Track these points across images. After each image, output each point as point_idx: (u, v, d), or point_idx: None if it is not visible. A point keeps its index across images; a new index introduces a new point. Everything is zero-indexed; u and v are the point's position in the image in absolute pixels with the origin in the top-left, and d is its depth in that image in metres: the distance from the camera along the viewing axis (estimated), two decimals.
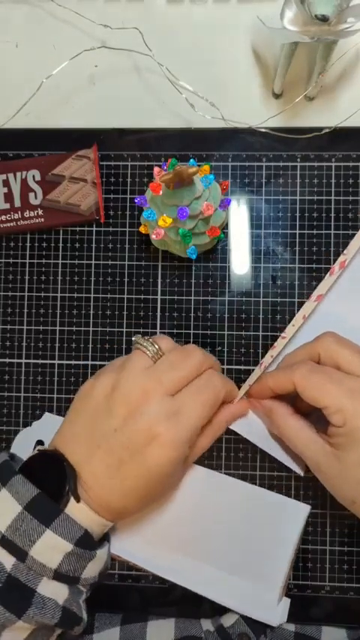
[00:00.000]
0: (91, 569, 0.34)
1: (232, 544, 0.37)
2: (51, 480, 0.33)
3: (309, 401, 0.34)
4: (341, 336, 0.36)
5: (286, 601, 0.37)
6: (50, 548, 0.32)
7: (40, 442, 0.42)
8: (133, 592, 0.40)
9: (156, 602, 0.40)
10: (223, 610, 0.37)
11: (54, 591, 0.32)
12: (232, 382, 0.38)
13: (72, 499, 0.33)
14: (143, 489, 0.34)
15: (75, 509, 0.33)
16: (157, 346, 0.35)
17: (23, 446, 0.42)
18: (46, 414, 0.42)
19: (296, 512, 0.37)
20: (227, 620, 0.37)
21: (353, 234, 0.41)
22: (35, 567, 0.32)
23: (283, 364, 0.38)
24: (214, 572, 0.37)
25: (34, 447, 0.41)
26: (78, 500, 0.33)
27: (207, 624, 0.38)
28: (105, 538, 0.36)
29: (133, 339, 0.37)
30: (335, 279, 0.38)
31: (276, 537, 0.37)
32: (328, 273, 0.39)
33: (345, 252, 0.38)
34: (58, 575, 0.32)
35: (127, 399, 0.34)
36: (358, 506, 0.33)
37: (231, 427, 0.39)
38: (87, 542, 0.33)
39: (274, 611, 0.37)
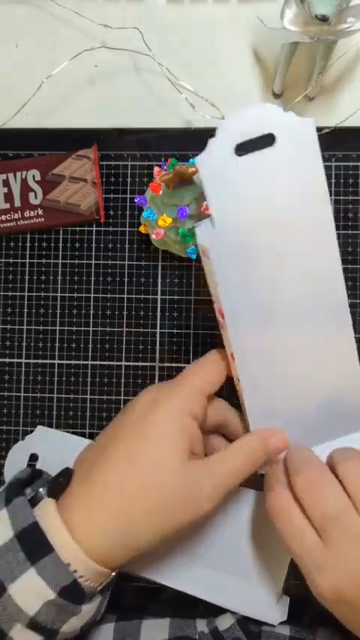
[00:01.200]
0: (73, 624, 0.29)
1: (231, 546, 0.37)
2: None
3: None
4: None
5: (285, 599, 0.37)
6: (30, 590, 0.28)
7: (33, 456, 0.42)
8: (129, 591, 0.40)
9: (152, 601, 0.40)
10: (218, 610, 0.37)
11: None
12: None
13: (69, 539, 0.29)
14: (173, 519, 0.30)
15: (69, 550, 0.29)
16: None
17: (16, 460, 0.42)
18: (39, 427, 0.42)
19: None
20: (222, 623, 0.36)
21: (354, 234, 0.41)
22: (10, 609, 0.28)
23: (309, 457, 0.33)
24: (213, 574, 0.37)
25: (28, 461, 0.41)
26: (57, 498, 0.30)
27: (202, 625, 0.37)
28: (100, 591, 0.32)
29: None
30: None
31: (275, 537, 0.37)
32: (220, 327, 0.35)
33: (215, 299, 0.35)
34: (34, 625, 0.28)
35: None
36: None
37: None
38: (73, 594, 0.29)
39: (274, 610, 0.37)
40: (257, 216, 0.31)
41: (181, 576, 0.37)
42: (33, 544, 0.28)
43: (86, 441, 0.42)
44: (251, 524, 0.38)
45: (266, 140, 0.30)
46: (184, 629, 0.36)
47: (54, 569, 0.28)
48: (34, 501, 0.31)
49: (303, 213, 0.31)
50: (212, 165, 0.30)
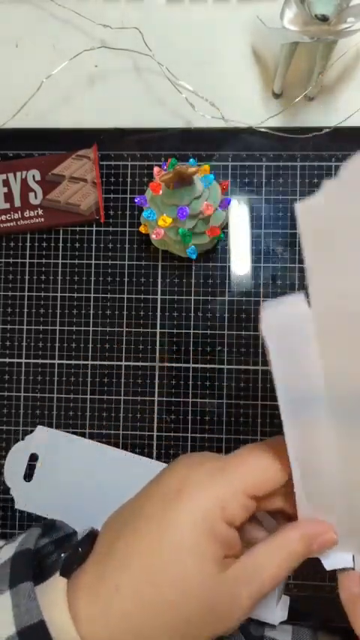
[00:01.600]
0: None
1: None
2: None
3: None
4: None
5: (286, 599, 0.37)
6: None
7: (33, 456, 0.42)
8: None
9: None
10: None
11: None
12: None
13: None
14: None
15: None
16: None
17: (16, 460, 0.42)
18: (39, 427, 0.42)
19: None
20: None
21: None
22: None
23: None
24: None
25: (28, 461, 0.42)
26: (68, 576, 0.26)
27: None
28: None
29: None
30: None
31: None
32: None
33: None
34: None
35: None
36: None
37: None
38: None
39: (274, 609, 0.37)
40: None
41: None
42: None
43: (86, 442, 0.42)
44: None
45: None
46: None
47: None
48: (47, 568, 0.28)
49: None
50: (326, 216, 0.21)
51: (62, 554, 0.28)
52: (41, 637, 0.25)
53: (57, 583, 0.26)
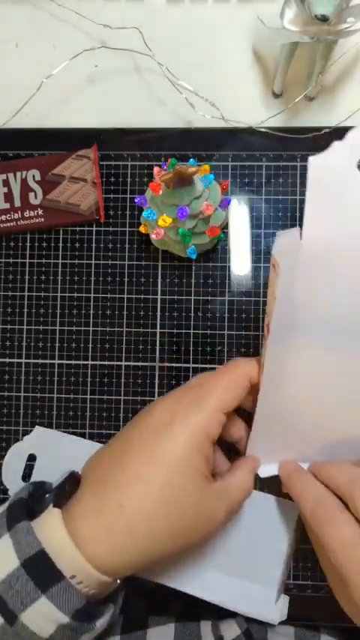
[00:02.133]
0: (87, 638, 0.30)
1: (227, 545, 0.38)
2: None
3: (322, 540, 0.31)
4: None
5: (285, 599, 0.37)
6: (43, 616, 0.28)
7: (32, 457, 0.42)
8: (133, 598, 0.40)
9: (155, 614, 0.40)
10: (224, 616, 0.38)
11: None
12: None
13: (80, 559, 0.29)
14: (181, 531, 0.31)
15: (77, 568, 0.29)
16: None
17: (14, 461, 0.42)
18: (37, 427, 0.42)
19: (288, 510, 0.38)
20: (228, 633, 0.36)
21: None
22: (24, 634, 0.28)
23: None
24: (212, 574, 0.37)
25: (26, 461, 0.41)
26: (60, 507, 0.30)
27: (206, 631, 0.37)
28: (111, 599, 0.32)
29: None
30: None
31: (270, 536, 0.37)
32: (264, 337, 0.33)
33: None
34: None
35: None
36: None
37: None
38: (86, 615, 0.29)
39: (273, 609, 0.37)
40: None
41: (179, 576, 0.37)
42: (41, 572, 0.28)
43: (85, 442, 0.42)
44: (248, 524, 0.38)
45: None
46: (188, 636, 0.36)
47: (66, 595, 0.28)
48: (39, 509, 0.31)
49: None
50: (327, 170, 0.27)
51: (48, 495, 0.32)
52: (43, 564, 0.28)
53: (52, 514, 0.30)
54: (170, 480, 0.30)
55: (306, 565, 0.39)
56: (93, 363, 0.42)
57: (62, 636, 0.28)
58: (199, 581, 0.37)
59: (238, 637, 0.36)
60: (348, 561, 0.29)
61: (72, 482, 0.32)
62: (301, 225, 0.29)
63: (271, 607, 0.37)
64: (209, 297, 0.42)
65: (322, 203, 0.28)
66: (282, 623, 0.37)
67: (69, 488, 0.32)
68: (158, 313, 0.42)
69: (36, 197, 0.43)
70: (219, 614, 0.37)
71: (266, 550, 0.37)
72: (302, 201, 0.42)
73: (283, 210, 0.42)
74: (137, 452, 0.31)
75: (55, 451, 0.42)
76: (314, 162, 0.27)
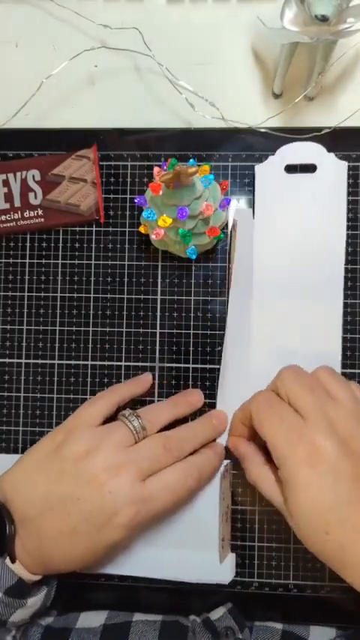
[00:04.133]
0: (21, 614, 0.34)
1: (160, 521, 0.38)
2: None
3: (261, 436, 0.34)
4: (301, 371, 0.35)
5: (232, 557, 0.38)
6: None
7: None
8: (118, 592, 0.40)
9: (143, 603, 0.40)
10: (212, 608, 0.38)
11: None
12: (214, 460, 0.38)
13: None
14: (90, 556, 0.34)
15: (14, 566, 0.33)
16: (141, 423, 0.35)
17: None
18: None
19: None
20: (214, 614, 0.38)
21: (353, 234, 0.41)
22: None
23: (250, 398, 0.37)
24: (153, 552, 0.38)
25: None
26: (14, 561, 0.33)
27: (194, 617, 0.38)
28: (44, 582, 0.36)
29: (120, 413, 0.37)
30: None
31: (199, 500, 0.38)
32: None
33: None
34: None
35: (98, 472, 0.33)
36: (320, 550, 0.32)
37: None
38: (18, 592, 0.33)
39: (220, 569, 0.37)
40: (293, 219, 0.41)
41: (121, 562, 0.38)
42: None
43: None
44: None
45: (309, 168, 0.41)
46: (176, 617, 0.37)
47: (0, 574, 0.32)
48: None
49: (322, 226, 0.41)
50: (267, 174, 0.41)
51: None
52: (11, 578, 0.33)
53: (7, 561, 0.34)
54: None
55: (306, 565, 0.39)
56: (93, 363, 0.42)
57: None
58: (142, 562, 0.37)
59: (223, 615, 0.37)
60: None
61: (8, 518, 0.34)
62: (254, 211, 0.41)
63: (218, 568, 0.37)
64: (209, 297, 0.42)
65: (264, 195, 0.41)
66: (281, 623, 0.38)
67: (9, 531, 0.33)
68: (158, 313, 0.42)
69: (36, 197, 0.43)
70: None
71: (199, 514, 0.37)
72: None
73: None
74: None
75: None
76: (259, 169, 0.41)
